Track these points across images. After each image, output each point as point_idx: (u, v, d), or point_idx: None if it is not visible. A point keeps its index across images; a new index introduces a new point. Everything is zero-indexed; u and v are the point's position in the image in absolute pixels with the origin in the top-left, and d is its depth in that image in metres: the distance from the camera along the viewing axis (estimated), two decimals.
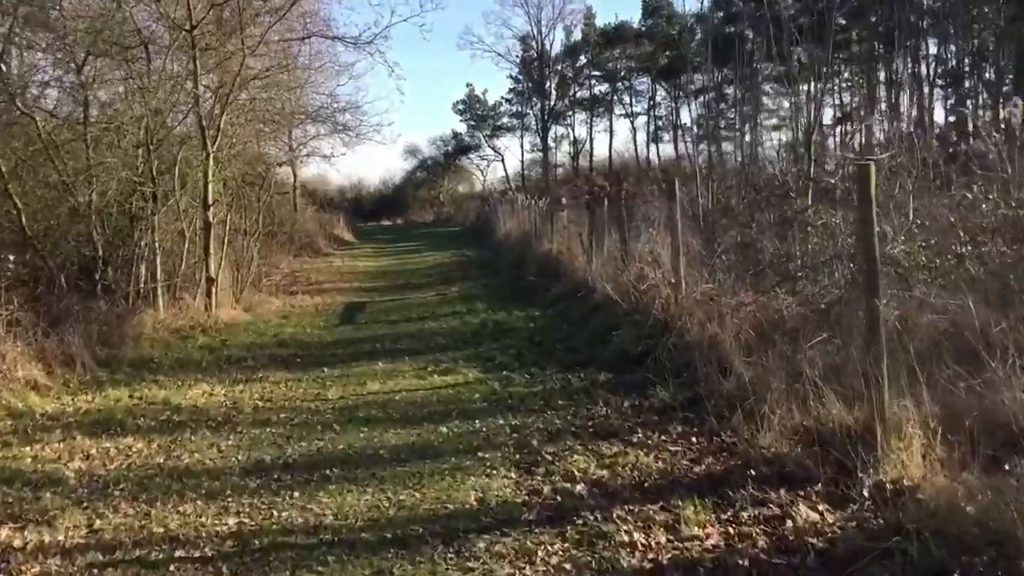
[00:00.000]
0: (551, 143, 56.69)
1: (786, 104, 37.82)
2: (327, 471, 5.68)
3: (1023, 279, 6.37)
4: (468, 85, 59.20)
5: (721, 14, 44.79)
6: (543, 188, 36.77)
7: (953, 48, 38.29)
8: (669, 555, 4.06)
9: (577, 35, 55.49)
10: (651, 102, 54.94)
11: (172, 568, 4.22)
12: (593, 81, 56.36)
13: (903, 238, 7.64)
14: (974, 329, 5.54)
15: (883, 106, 38.22)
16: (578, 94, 56.80)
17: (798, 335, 6.87)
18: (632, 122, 55.98)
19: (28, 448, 6.38)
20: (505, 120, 58.41)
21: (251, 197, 17.05)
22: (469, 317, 12.51)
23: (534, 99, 56.77)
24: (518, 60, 56.62)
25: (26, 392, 7.85)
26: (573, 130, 57.52)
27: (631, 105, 55.92)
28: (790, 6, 30.68)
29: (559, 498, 4.94)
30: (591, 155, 55.93)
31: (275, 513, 4.93)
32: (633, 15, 63.70)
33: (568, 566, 4.04)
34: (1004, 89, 33.46)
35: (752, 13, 36.58)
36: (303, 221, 28.76)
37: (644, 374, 7.52)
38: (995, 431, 4.44)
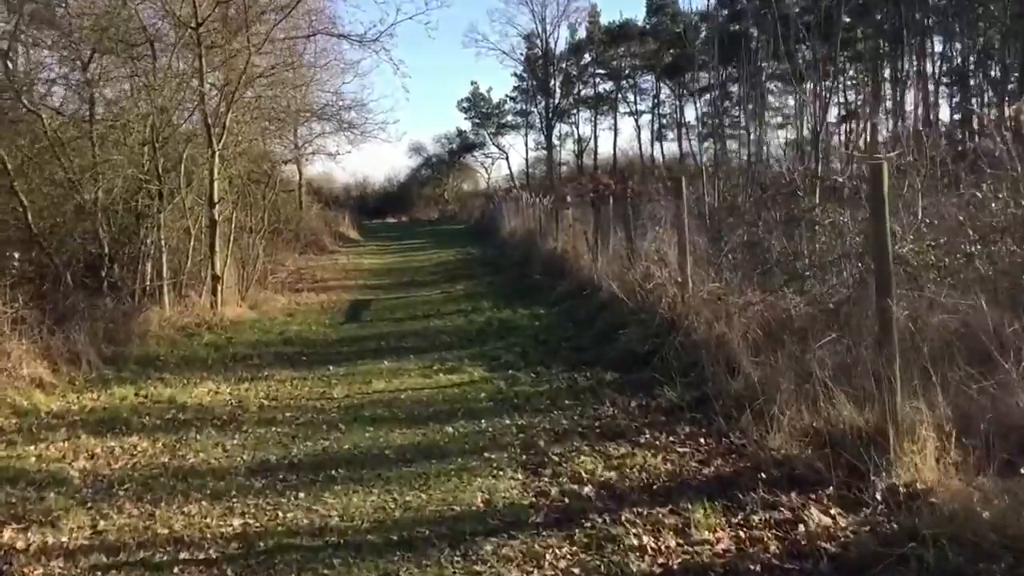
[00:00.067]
0: (555, 141, 56.73)
1: (791, 102, 37.74)
2: (333, 471, 5.64)
3: None
4: (473, 83, 59.15)
5: (726, 12, 44.74)
6: (547, 186, 36.74)
7: (959, 46, 38.19)
8: (679, 560, 4.01)
9: (581, 33, 55.55)
10: (655, 100, 55.00)
11: (176, 571, 4.18)
12: (597, 79, 56.42)
13: (912, 237, 7.58)
14: (986, 329, 5.48)
15: (888, 104, 38.12)
16: (582, 92, 56.82)
17: (806, 335, 6.82)
18: (636, 120, 56.05)
19: (32, 447, 6.35)
20: (509, 118, 58.49)
21: (257, 195, 17.03)
22: (474, 315, 12.46)
23: (538, 97, 56.76)
24: (523, 58, 56.67)
25: (31, 390, 7.82)
26: (577, 128, 57.57)
27: (635, 103, 56.03)
28: (795, 3, 30.60)
29: (567, 500, 4.89)
30: (595, 153, 56.02)
31: (280, 514, 4.89)
32: (637, 13, 63.62)
33: (577, 570, 3.99)
34: (1009, 87, 33.35)
35: (757, 11, 36.50)
36: (308, 219, 28.75)
37: (651, 374, 7.46)
38: (1009, 434, 4.38)
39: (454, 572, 4.06)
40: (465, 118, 59.24)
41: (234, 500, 5.15)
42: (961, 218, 7.72)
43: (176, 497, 5.22)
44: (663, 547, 4.13)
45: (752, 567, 3.84)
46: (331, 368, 9.16)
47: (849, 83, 41.17)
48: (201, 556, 4.33)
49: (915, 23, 36.00)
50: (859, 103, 39.18)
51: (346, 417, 7.07)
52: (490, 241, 27.19)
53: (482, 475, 5.44)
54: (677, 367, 7.29)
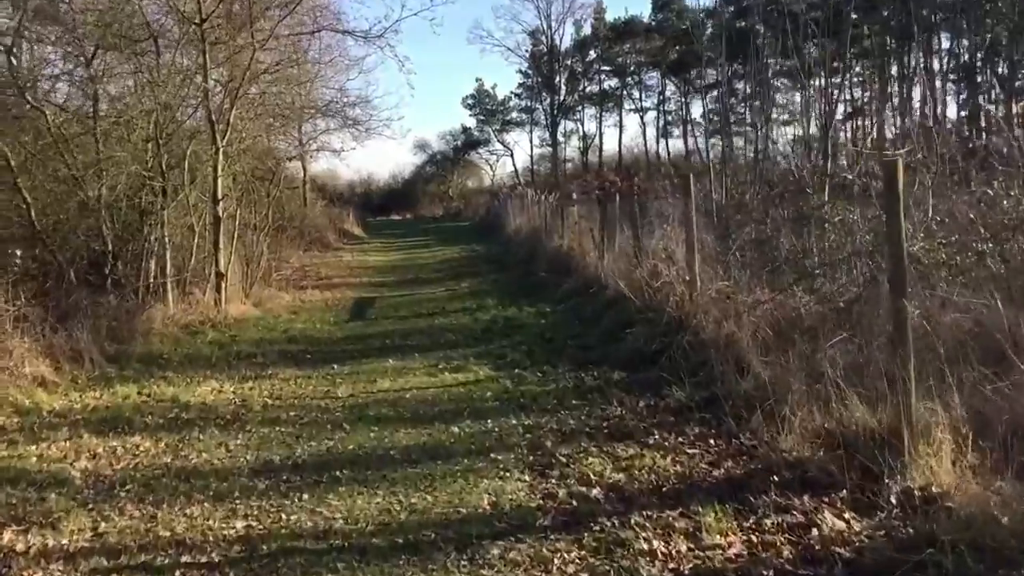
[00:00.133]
0: (560, 138, 56.57)
1: (797, 99, 37.59)
2: (337, 472, 5.56)
3: None
4: (477, 80, 59.19)
5: (732, 8, 44.56)
6: (553, 183, 36.64)
7: (966, 42, 37.98)
8: (691, 565, 3.93)
9: (587, 30, 55.36)
10: (661, 97, 54.77)
11: (178, 574, 4.11)
12: (603, 76, 56.25)
13: (922, 235, 7.49)
14: (1001, 328, 5.39)
15: (895, 101, 37.96)
16: (587, 89, 56.67)
17: (817, 334, 6.73)
18: (642, 117, 55.91)
19: (34, 447, 6.28)
20: (514, 115, 58.35)
21: (261, 192, 16.95)
22: (479, 313, 12.38)
23: (543, 94, 56.61)
24: (528, 55, 56.51)
25: (33, 389, 7.76)
26: (582, 125, 57.40)
27: (641, 100, 55.85)
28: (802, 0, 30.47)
29: (574, 502, 4.81)
30: (600, 150, 55.90)
31: (284, 516, 4.82)
32: (643, 10, 63.59)
33: (586, 575, 3.92)
34: (1017, 84, 33.17)
35: (763, 7, 36.32)
36: (313, 216, 28.67)
37: (659, 373, 7.37)
38: None
39: None
40: (470, 115, 59.17)
41: (237, 502, 5.08)
42: (972, 216, 7.62)
43: (178, 498, 5.15)
44: (674, 551, 4.05)
45: (765, 572, 3.76)
46: (335, 367, 9.09)
47: (855, 80, 41.02)
48: (203, 559, 4.26)
49: (923, 19, 35.80)
50: (866, 100, 39.06)
51: (351, 417, 7.00)
52: (495, 238, 27.11)
53: (489, 476, 5.36)
54: (685, 367, 7.20)
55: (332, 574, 4.07)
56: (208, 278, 13.14)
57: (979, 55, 37.45)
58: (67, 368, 8.58)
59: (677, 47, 50.11)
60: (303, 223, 25.44)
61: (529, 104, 57.68)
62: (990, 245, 7.06)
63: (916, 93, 36.21)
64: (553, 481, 5.21)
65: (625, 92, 55.81)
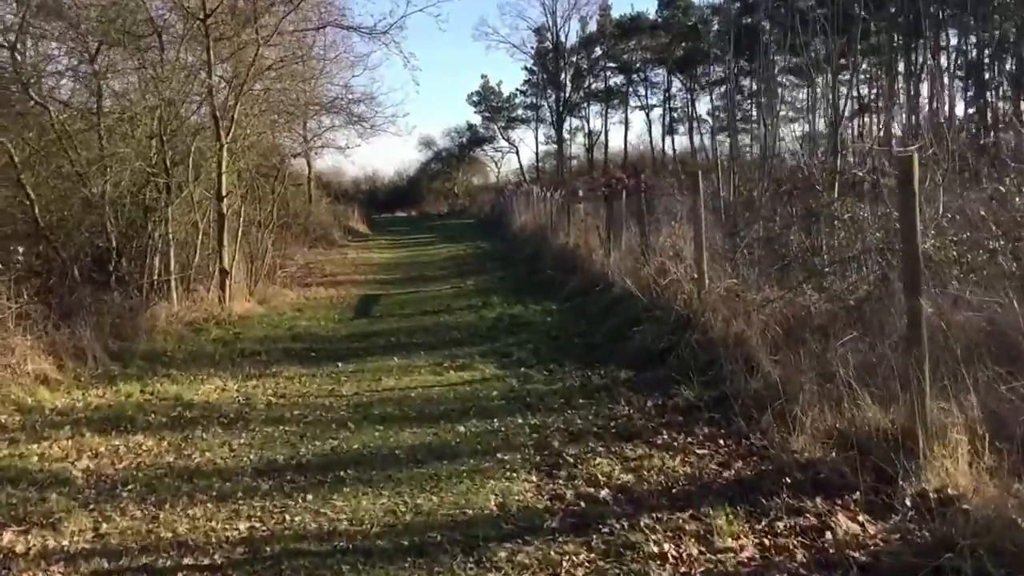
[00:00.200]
0: (566, 135, 56.38)
1: (802, 96, 37.44)
2: (341, 472, 5.49)
3: None
4: (483, 76, 58.74)
5: (738, 4, 44.36)
6: (558, 180, 36.55)
7: (973, 39, 37.78)
8: (702, 569, 3.84)
9: (593, 26, 55.14)
10: (666, 94, 54.56)
11: None
12: (608, 73, 55.99)
13: (933, 232, 7.40)
14: (1016, 327, 5.30)
15: (902, 98, 37.75)
16: (593, 86, 56.45)
17: (827, 333, 6.65)
18: (647, 114, 55.67)
19: (35, 446, 6.21)
20: (520, 112, 58.13)
21: (265, 188, 16.91)
22: (485, 311, 12.31)
23: (549, 91, 56.46)
24: (533, 52, 56.33)
25: (35, 386, 7.70)
26: (588, 122, 57.21)
27: (646, 97, 55.61)
28: None
29: (583, 504, 4.73)
30: (606, 147, 55.70)
31: (287, 517, 4.74)
32: (649, 6, 63.30)
33: None
34: None
35: (770, 4, 36.18)
36: (318, 213, 28.62)
37: (667, 372, 7.29)
38: None
39: None
40: (475, 112, 59.00)
41: (240, 502, 5.01)
42: (983, 213, 7.53)
43: (181, 499, 5.08)
44: (685, 555, 3.97)
45: None
46: (340, 364, 9.02)
47: (862, 77, 40.79)
48: (206, 562, 4.18)
49: (929, 16, 35.59)
50: (872, 97, 38.83)
51: (355, 415, 6.93)
52: (500, 235, 27.03)
53: (495, 477, 5.28)
54: (694, 365, 7.11)
55: None
56: (212, 275, 13.09)
57: (987, 52, 37.26)
58: (70, 366, 8.52)
59: (683, 44, 49.93)
60: (308, 220, 25.40)
61: (534, 101, 57.53)
62: (1002, 242, 6.98)
63: (924, 90, 36.01)
64: (560, 482, 5.13)
65: (631, 89, 55.61)
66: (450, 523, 4.57)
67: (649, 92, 55.50)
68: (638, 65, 54.44)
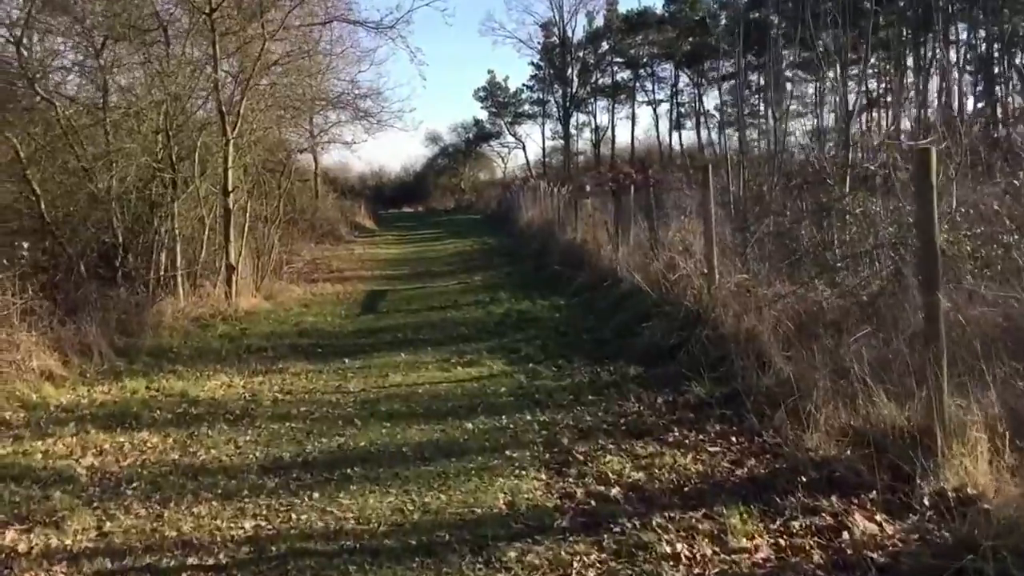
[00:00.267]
0: (572, 130, 56.23)
1: (810, 91, 37.22)
2: (348, 470, 5.42)
3: None
4: (489, 72, 58.86)
5: None
6: (565, 176, 36.44)
7: (983, 33, 37.51)
8: (716, 570, 3.75)
9: (599, 21, 54.92)
10: (674, 89, 54.34)
11: None
12: (615, 68, 55.80)
13: (947, 226, 7.29)
14: None
15: (911, 92, 37.51)
16: (600, 81, 56.25)
17: (840, 328, 6.56)
18: (654, 109, 55.50)
19: (40, 442, 6.15)
20: (526, 107, 58.03)
21: (272, 184, 16.84)
22: (492, 306, 12.23)
23: (556, 86, 56.29)
24: (540, 47, 56.16)
25: (41, 383, 7.65)
26: (595, 117, 57.03)
27: (653, 92, 55.38)
28: None
29: (593, 503, 4.65)
30: (612, 143, 55.56)
31: (294, 516, 4.67)
32: (656, 1, 62.87)
33: None
34: None
35: None
36: (324, 208, 28.57)
37: (677, 368, 7.20)
38: None
39: None
40: (482, 107, 58.91)
41: (246, 500, 4.94)
42: (997, 207, 7.43)
43: (186, 497, 5.02)
44: (698, 555, 3.88)
45: None
46: (347, 361, 8.95)
47: (870, 72, 40.55)
48: (210, 561, 4.11)
49: (939, 10, 35.31)
50: (881, 91, 38.60)
51: (362, 412, 6.86)
52: (507, 231, 26.95)
53: (504, 475, 5.20)
54: (704, 362, 7.02)
55: None
56: (219, 271, 13.04)
57: (996, 46, 36.97)
58: (75, 362, 8.47)
59: (690, 39, 49.69)
60: (314, 216, 25.34)
61: (541, 96, 57.40)
62: (1016, 237, 6.88)
63: (933, 84, 35.76)
64: (570, 480, 5.05)
65: (638, 84, 55.42)
66: (459, 522, 4.49)
67: (656, 87, 55.33)
68: (645, 60, 54.21)
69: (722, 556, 3.87)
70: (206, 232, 13.01)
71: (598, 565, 3.89)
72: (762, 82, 41.00)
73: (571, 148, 55.67)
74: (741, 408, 5.92)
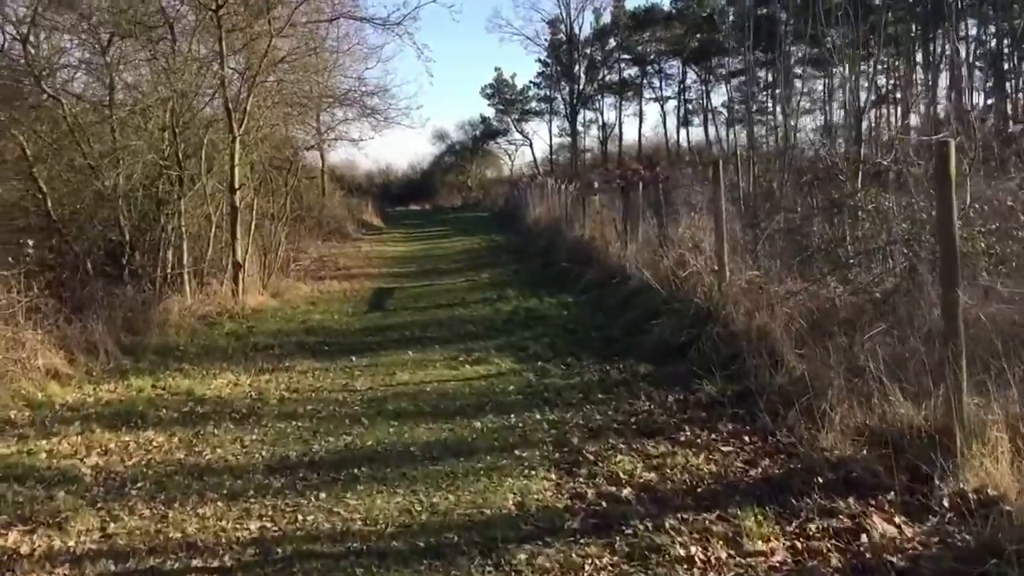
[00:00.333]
0: (580, 127, 56.01)
1: (819, 87, 37.03)
2: (355, 470, 5.34)
3: None
4: (496, 69, 58.49)
5: None
6: (572, 172, 36.33)
7: (992, 29, 37.26)
8: (732, 573, 3.67)
9: (607, 18, 54.65)
10: (681, 85, 54.13)
11: None
12: (622, 65, 55.55)
13: (960, 222, 7.17)
14: None
15: (920, 88, 37.28)
16: (607, 78, 55.99)
17: (853, 326, 6.46)
18: (662, 106, 55.25)
19: (44, 442, 6.10)
20: (533, 104, 57.79)
21: (279, 181, 16.79)
22: (500, 304, 12.15)
23: (563, 83, 56.08)
24: (547, 44, 55.96)
25: (46, 381, 7.60)
26: (602, 114, 56.77)
27: (661, 89, 55.15)
28: None
29: (604, 504, 4.56)
30: (620, 139, 55.33)
31: (300, 517, 4.60)
32: None
33: None
34: None
35: None
36: (331, 206, 28.51)
37: (688, 366, 7.11)
38: None
39: None
40: (489, 104, 58.65)
41: (251, 501, 4.87)
42: (1011, 203, 7.31)
43: (191, 497, 4.95)
44: (713, 558, 3.79)
45: None
46: (354, 359, 8.88)
47: (879, 68, 40.31)
48: (215, 564, 4.04)
49: (948, 6, 35.08)
50: (890, 87, 38.37)
51: (369, 411, 6.78)
52: (514, 228, 26.86)
53: (513, 475, 5.12)
54: (716, 359, 6.92)
55: None
56: (225, 268, 12.98)
57: (1006, 42, 36.72)
58: (81, 360, 8.42)
59: (698, 35, 49.50)
60: (321, 213, 25.29)
61: (548, 93, 57.16)
62: None
63: (942, 80, 35.53)
64: (581, 480, 4.96)
65: (645, 81, 55.17)
66: (467, 523, 4.41)
67: (664, 84, 55.10)
68: (652, 57, 54.00)
69: (737, 559, 3.78)
70: (213, 230, 12.97)
71: (610, 568, 3.81)
72: (770, 78, 40.81)
73: (578, 145, 55.51)
74: (754, 407, 5.82)
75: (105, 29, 12.15)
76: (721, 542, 3.94)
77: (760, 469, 4.88)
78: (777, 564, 3.71)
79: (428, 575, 3.86)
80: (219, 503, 4.85)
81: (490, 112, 58.01)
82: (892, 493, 4.19)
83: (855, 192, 8.98)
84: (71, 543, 4.31)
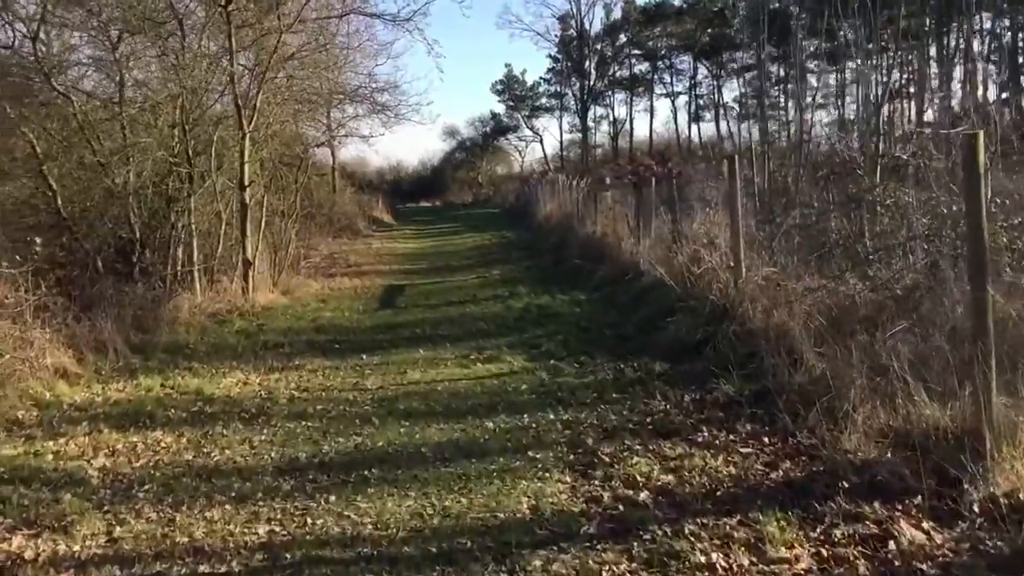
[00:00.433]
0: (590, 123, 55.84)
1: (832, 81, 36.75)
2: (365, 472, 5.24)
3: None
4: (507, 65, 58.45)
5: None
6: (583, 169, 36.16)
7: (1007, 22, 36.91)
8: None
9: (617, 13, 54.44)
10: (692, 81, 53.89)
11: None
12: (633, 60, 55.36)
13: None
14: None
15: (934, 82, 36.94)
16: (618, 73, 55.84)
17: (874, 324, 6.31)
18: (673, 101, 55.02)
19: (51, 442, 6.01)
20: (544, 100, 57.68)
21: (289, 178, 16.71)
22: (512, 301, 12.03)
23: (573, 79, 55.92)
24: (557, 40, 55.80)
25: (54, 381, 7.52)
26: (613, 110, 56.64)
27: (672, 84, 54.95)
28: None
29: (621, 507, 4.44)
30: (631, 135, 55.13)
31: (309, 521, 4.49)
32: None
33: None
34: None
35: None
36: (342, 203, 28.46)
37: (704, 364, 6.97)
38: None
39: None
40: (499, 101, 58.58)
41: (260, 504, 4.77)
42: None
43: (198, 500, 4.85)
44: (735, 566, 3.67)
45: None
46: (364, 357, 8.78)
47: (892, 62, 39.95)
48: (222, 569, 3.95)
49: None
50: (904, 81, 38.04)
51: (380, 410, 6.68)
52: (525, 225, 26.73)
53: (527, 477, 5.00)
54: (733, 358, 6.79)
55: None
56: (236, 266, 12.91)
57: (1021, 35, 36.38)
58: (90, 359, 8.35)
59: (709, 30, 49.24)
60: (332, 210, 25.24)
61: (559, 89, 57.03)
62: None
63: (957, 74, 35.19)
64: (596, 483, 4.84)
65: (656, 76, 55.00)
66: (480, 527, 4.30)
67: (674, 79, 54.90)
68: (663, 52, 53.79)
69: (760, 567, 3.65)
70: (223, 227, 12.90)
71: (628, 575, 3.68)
72: (782, 73, 40.53)
73: (589, 141, 55.36)
74: (773, 407, 5.68)
75: (114, 26, 12.08)
76: (743, 548, 3.81)
77: (781, 472, 4.75)
78: (802, 572, 3.58)
79: None
80: (227, 506, 4.75)
81: (500, 108, 57.99)
82: (919, 497, 4.05)
83: (874, 187, 8.82)
84: (76, 548, 4.22)
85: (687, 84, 54.19)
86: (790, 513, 4.11)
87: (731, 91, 54.12)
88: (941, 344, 5.33)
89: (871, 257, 7.82)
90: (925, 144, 9.00)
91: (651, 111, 56.10)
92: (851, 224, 8.90)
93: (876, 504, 4.05)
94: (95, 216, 11.90)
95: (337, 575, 3.86)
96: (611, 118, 56.47)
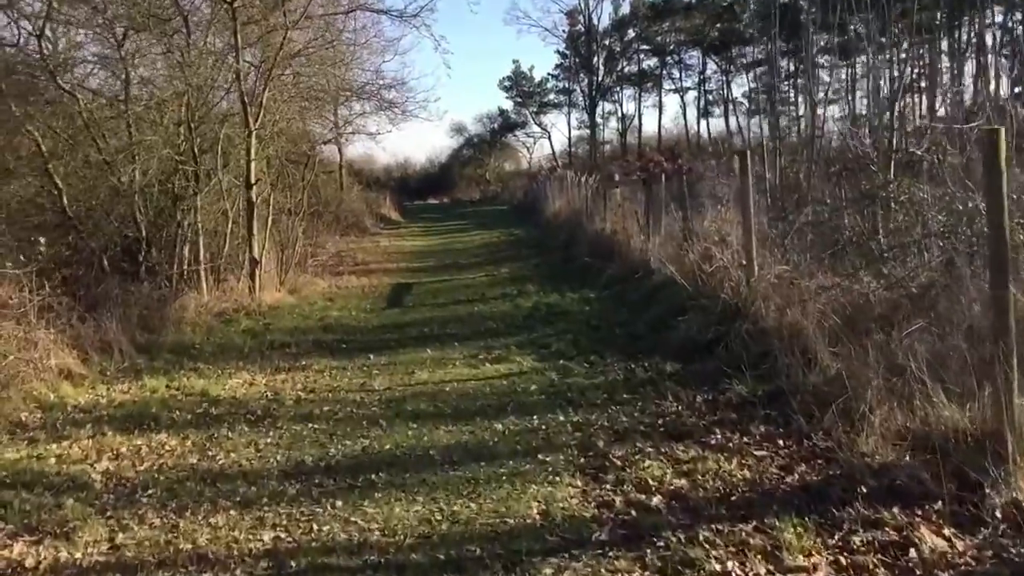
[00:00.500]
0: (599, 119, 55.60)
1: (843, 76, 36.50)
2: (373, 476, 5.15)
3: None
4: (514, 62, 58.34)
5: None
6: (592, 165, 36.02)
7: (1019, 16, 36.56)
8: None
9: (625, 8, 54.12)
10: (701, 76, 53.60)
11: None
12: (642, 55, 55.06)
13: None
14: None
15: (946, 77, 36.67)
16: (626, 69, 55.56)
17: (889, 323, 6.20)
18: (682, 97, 54.76)
19: (55, 445, 5.94)
20: (552, 97, 57.44)
21: (295, 176, 16.64)
22: (520, 300, 11.93)
23: (581, 75, 55.68)
24: (565, 35, 55.58)
25: (59, 382, 7.45)
26: (621, 106, 56.35)
27: (681, 80, 54.65)
28: None
29: (633, 512, 4.34)
30: (639, 131, 54.90)
31: (315, 526, 4.41)
32: None
33: None
34: None
35: None
36: (349, 200, 28.39)
37: (716, 364, 6.86)
38: None
39: None
40: (507, 97, 58.46)
41: (265, 509, 4.68)
42: None
43: (203, 505, 4.77)
44: (751, 574, 3.57)
45: None
46: (372, 357, 8.69)
47: (903, 56, 39.67)
48: None
49: None
50: (915, 76, 37.77)
51: (387, 412, 6.59)
52: (534, 222, 26.61)
53: (537, 481, 4.91)
54: (745, 358, 6.67)
55: None
56: (242, 265, 12.84)
57: None
58: (95, 359, 8.28)
59: (718, 25, 48.95)
60: (339, 208, 25.17)
61: (567, 85, 56.80)
62: None
63: (968, 68, 34.93)
64: (608, 487, 4.74)
65: (664, 72, 54.72)
66: (490, 534, 4.21)
67: (683, 75, 54.59)
68: (672, 47, 53.47)
69: (777, 575, 3.55)
70: (229, 225, 12.83)
71: None
72: (791, 68, 40.29)
73: (597, 137, 55.12)
74: (787, 408, 5.57)
75: (120, 23, 12.01)
76: (759, 556, 3.71)
77: (797, 475, 4.64)
78: None
79: None
80: (232, 511, 4.67)
81: (508, 105, 57.79)
82: (940, 502, 3.95)
83: (887, 183, 8.69)
84: (78, 555, 4.15)
85: (696, 79, 53.90)
86: (807, 519, 4.00)
87: (740, 86, 53.88)
88: (959, 343, 5.21)
89: (886, 255, 7.69)
90: (939, 139, 8.87)
91: (660, 107, 55.91)
92: (865, 221, 8.77)
93: (895, 509, 3.95)
94: (101, 215, 11.84)
95: None
96: (620, 114, 56.25)
